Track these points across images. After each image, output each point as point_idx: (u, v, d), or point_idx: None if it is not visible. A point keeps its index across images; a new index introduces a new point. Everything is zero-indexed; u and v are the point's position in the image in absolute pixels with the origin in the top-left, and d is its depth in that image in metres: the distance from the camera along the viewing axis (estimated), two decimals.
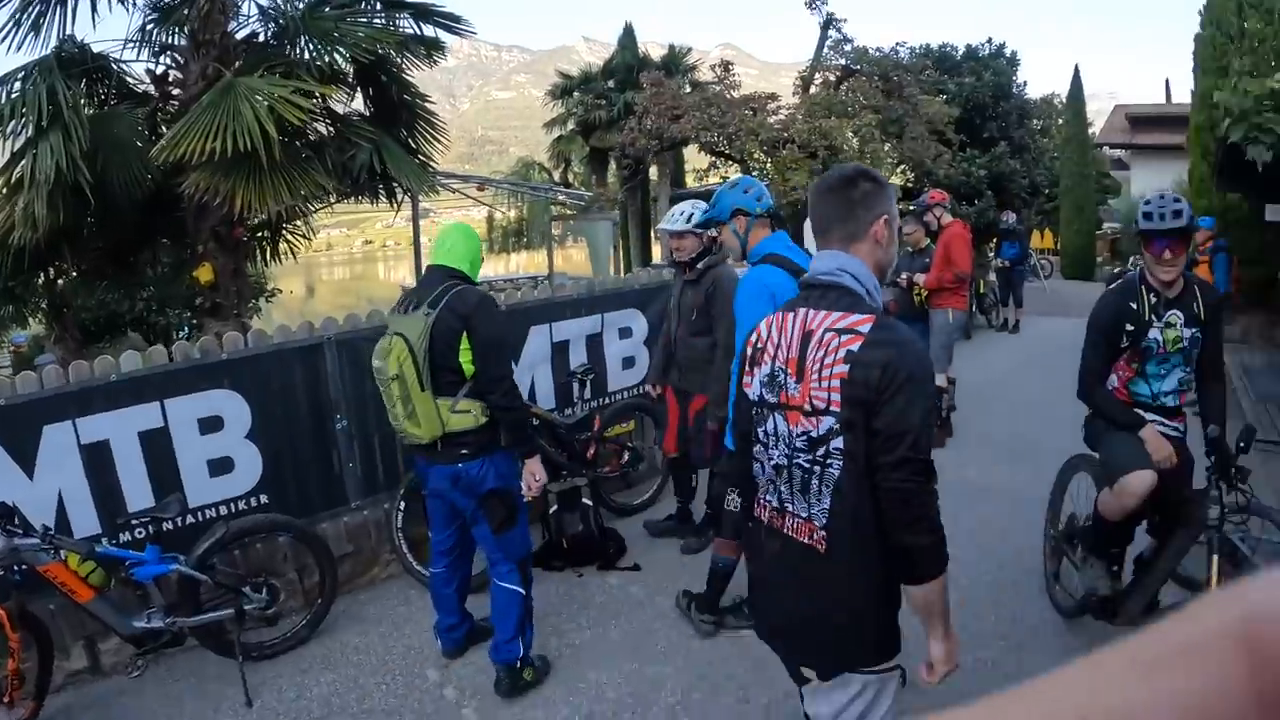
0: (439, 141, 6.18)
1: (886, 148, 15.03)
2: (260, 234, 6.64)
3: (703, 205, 3.46)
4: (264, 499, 3.42)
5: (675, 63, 18.66)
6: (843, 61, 17.84)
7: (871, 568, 1.51)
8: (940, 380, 4.06)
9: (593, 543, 3.69)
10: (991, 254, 13.52)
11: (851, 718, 1.58)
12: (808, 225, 2.94)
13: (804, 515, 1.55)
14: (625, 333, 4.64)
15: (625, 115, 17.27)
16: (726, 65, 15.86)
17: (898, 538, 1.46)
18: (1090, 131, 22.94)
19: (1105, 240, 22.95)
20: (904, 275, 6.02)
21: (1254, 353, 8.54)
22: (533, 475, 2.81)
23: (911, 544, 1.45)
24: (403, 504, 3.59)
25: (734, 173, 16.58)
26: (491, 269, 20.01)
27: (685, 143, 15.62)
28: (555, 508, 3.67)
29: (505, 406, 2.66)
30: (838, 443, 1.47)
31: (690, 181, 20.87)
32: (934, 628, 1.57)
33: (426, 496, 2.96)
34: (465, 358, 2.60)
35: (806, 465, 1.53)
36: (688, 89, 16.78)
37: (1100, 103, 55.02)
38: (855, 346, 1.45)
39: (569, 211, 16.29)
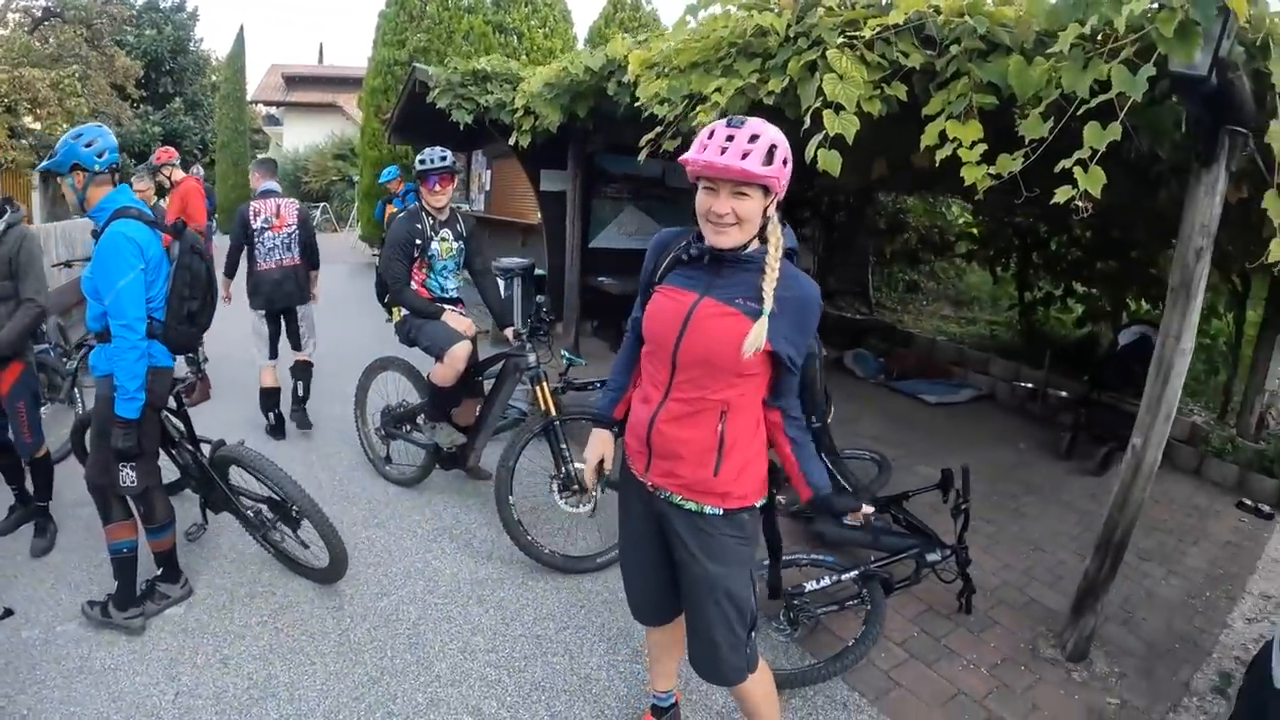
0: None
1: (82, 103, 13.87)
2: None
3: None
4: None
5: None
6: (45, 3, 15.95)
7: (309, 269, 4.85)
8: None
9: None
10: None
11: (313, 321, 4.99)
12: None
13: (290, 257, 4.66)
14: None
15: None
16: None
17: (312, 257, 4.85)
18: (247, 89, 22.78)
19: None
20: None
21: None
22: None
23: (318, 261, 4.96)
24: None
25: None
26: None
27: None
28: None
29: None
30: (296, 234, 4.68)
31: None
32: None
33: None
34: None
35: (287, 241, 4.63)
36: None
37: (258, 64, 55.08)
38: (296, 205, 4.78)
39: None
